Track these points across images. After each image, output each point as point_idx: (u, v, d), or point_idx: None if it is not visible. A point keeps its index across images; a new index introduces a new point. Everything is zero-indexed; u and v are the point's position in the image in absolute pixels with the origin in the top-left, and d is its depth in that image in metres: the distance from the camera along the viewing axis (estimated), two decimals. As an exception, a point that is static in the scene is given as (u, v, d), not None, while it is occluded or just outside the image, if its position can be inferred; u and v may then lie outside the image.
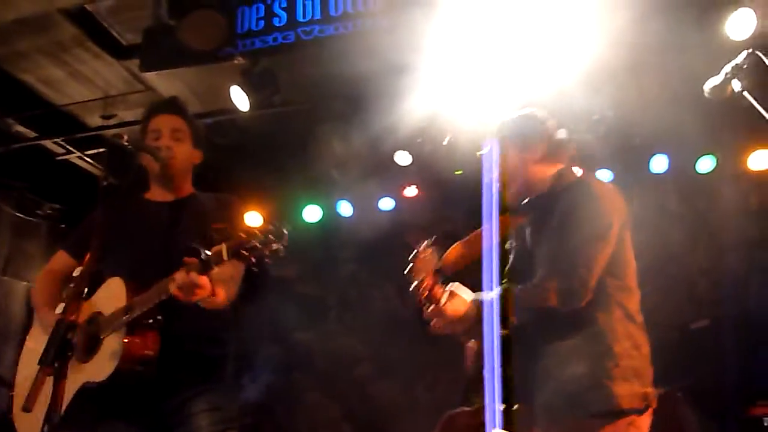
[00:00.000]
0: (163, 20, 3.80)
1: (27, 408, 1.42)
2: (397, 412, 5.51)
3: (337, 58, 3.52)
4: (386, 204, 5.55)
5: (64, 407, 1.59)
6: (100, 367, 1.98)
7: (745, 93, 2.04)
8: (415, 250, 2.11)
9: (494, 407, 1.77)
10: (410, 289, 2.07)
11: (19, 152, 5.01)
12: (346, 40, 3.43)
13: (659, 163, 4.85)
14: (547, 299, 1.92)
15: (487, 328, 1.85)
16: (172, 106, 2.42)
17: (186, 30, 3.33)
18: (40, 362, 1.49)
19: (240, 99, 3.77)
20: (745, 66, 2.05)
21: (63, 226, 5.88)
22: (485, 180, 2.03)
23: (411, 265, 2.05)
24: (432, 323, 2.04)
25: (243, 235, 1.83)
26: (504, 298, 1.86)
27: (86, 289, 1.81)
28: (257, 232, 1.83)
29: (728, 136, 4.71)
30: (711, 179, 4.92)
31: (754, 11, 3.26)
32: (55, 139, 5.08)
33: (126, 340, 1.96)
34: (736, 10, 3.26)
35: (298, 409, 5.84)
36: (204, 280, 1.90)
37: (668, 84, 4.33)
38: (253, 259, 1.84)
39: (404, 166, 5.00)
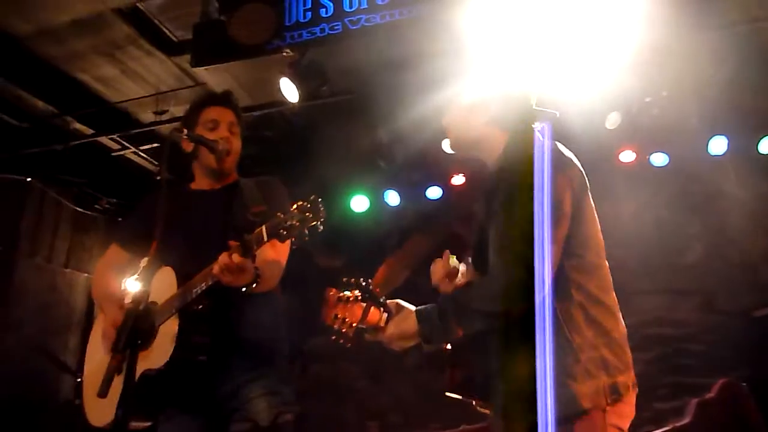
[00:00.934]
0: (212, 16, 3.85)
1: (102, 394, 1.48)
2: (446, 401, 5.50)
3: (384, 47, 3.50)
4: (434, 192, 5.52)
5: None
6: (156, 355, 2.02)
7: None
8: (328, 296, 1.86)
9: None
10: (332, 335, 1.85)
11: (77, 149, 5.19)
12: (393, 28, 3.41)
13: (718, 145, 4.66)
14: (496, 301, 1.68)
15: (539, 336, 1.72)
16: (228, 100, 2.44)
17: (236, 25, 3.38)
18: (113, 350, 1.54)
19: (289, 91, 3.80)
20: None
21: (120, 219, 6.09)
22: (536, 166, 1.95)
23: (326, 310, 1.85)
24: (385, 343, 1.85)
25: (281, 215, 1.84)
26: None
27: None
28: (294, 210, 1.83)
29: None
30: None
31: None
32: (111, 136, 5.23)
33: (179, 327, 2.00)
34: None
35: (346, 398, 5.90)
36: (246, 262, 1.91)
37: (725, 63, 4.16)
38: (293, 237, 1.84)
39: (452, 155, 4.95)
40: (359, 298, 1.84)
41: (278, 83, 3.82)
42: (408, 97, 4.36)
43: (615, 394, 1.68)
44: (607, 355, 1.72)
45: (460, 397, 1.97)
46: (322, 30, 3.46)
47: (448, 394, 1.99)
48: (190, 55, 3.99)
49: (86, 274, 5.93)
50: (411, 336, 1.77)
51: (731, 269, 4.87)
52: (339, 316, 1.82)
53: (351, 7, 3.45)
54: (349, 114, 4.72)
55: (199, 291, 2.01)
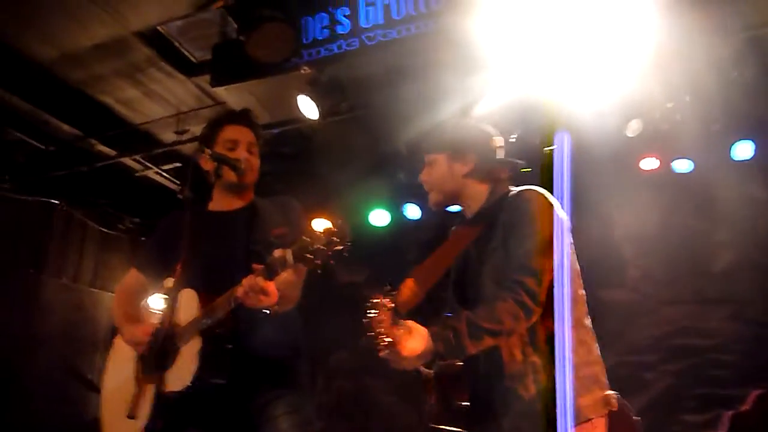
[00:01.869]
0: (230, 36, 3.91)
1: (132, 415, 1.48)
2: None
3: (402, 60, 3.51)
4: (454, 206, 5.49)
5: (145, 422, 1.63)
6: (178, 377, 2.01)
7: None
8: (374, 300, 1.87)
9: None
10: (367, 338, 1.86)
11: (101, 170, 5.29)
12: (410, 42, 3.42)
13: (744, 150, 4.57)
14: (503, 322, 1.83)
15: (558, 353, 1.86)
16: (247, 119, 2.45)
17: (254, 44, 3.41)
18: (144, 371, 1.54)
19: (308, 108, 3.83)
20: None
21: (143, 238, 6.16)
22: (556, 175, 2.00)
23: (371, 316, 1.84)
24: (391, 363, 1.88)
25: (306, 239, 1.84)
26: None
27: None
28: (320, 234, 1.83)
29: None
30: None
31: None
32: (134, 156, 5.32)
33: (201, 350, 2.01)
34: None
35: (373, 414, 5.86)
36: (270, 285, 1.93)
37: (750, 67, 4.09)
38: (318, 262, 1.84)
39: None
40: (391, 310, 1.87)
41: (297, 100, 3.86)
42: (426, 109, 4.37)
43: (608, 406, 1.91)
44: (597, 371, 1.96)
45: (447, 428, 2.07)
46: (340, 47, 3.48)
47: (435, 426, 2.09)
48: (209, 76, 4.06)
49: (112, 294, 6.00)
50: (426, 355, 1.84)
51: (761, 277, 4.74)
52: (384, 323, 1.84)
53: (368, 23, 3.47)
54: (368, 128, 4.74)
55: (222, 314, 2.01)
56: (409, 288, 2.12)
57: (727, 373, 4.66)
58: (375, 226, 5.64)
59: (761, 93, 4.18)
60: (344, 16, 3.51)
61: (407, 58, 3.54)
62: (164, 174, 5.60)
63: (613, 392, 1.94)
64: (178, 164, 5.40)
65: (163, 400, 2.00)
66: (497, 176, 2.15)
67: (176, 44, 4.25)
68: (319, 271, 1.87)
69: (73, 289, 5.70)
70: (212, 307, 2.04)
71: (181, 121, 5.03)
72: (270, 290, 1.94)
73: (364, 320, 1.84)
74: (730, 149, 4.60)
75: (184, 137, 5.03)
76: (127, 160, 5.38)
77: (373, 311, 1.83)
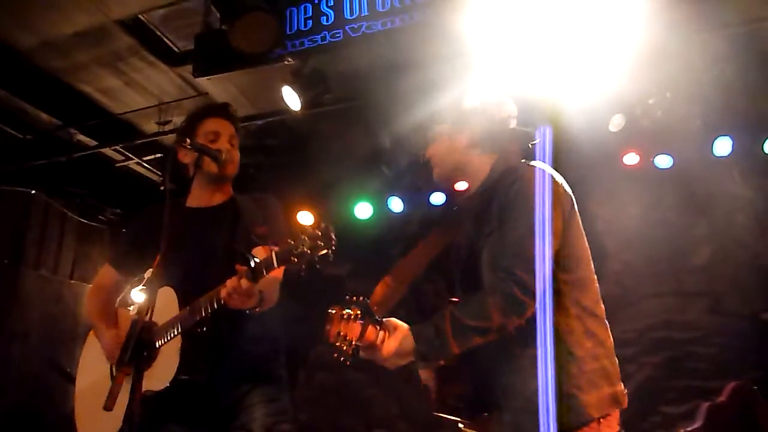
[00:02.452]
0: (213, 26, 3.86)
1: (108, 407, 1.46)
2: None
3: (386, 52, 3.50)
4: (437, 198, 5.51)
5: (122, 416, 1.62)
6: (158, 376, 2.00)
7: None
8: (331, 314, 1.84)
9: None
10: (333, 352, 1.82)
11: (81, 160, 5.21)
12: (394, 34, 3.41)
13: (723, 146, 4.64)
14: (491, 318, 1.70)
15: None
16: (227, 112, 2.44)
17: (237, 34, 3.38)
18: (118, 364, 1.53)
19: (292, 99, 3.80)
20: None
21: (124, 230, 6.09)
22: (537, 169, 1.95)
23: (328, 328, 1.82)
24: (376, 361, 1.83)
25: (291, 241, 1.83)
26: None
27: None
28: (305, 237, 1.81)
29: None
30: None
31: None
32: (114, 147, 5.24)
33: (182, 349, 2.00)
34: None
35: (353, 406, 5.87)
36: (254, 288, 1.91)
37: (729, 64, 4.14)
38: (303, 265, 1.83)
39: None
40: (358, 316, 1.82)
41: (281, 91, 3.83)
42: (410, 102, 4.36)
43: (616, 404, 1.76)
44: (607, 365, 1.80)
45: (449, 416, 1.99)
46: (324, 38, 3.46)
47: (437, 414, 2.01)
48: (192, 66, 4.01)
49: (91, 285, 5.94)
50: (407, 354, 1.76)
51: (739, 271, 4.83)
52: (341, 333, 1.81)
53: (352, 15, 3.45)
54: (352, 120, 4.72)
55: (203, 314, 1.99)
56: (385, 286, 2.09)
57: (706, 365, 4.74)
58: (359, 219, 5.64)
59: (740, 90, 4.23)
60: (328, 6, 3.49)
61: (391, 50, 3.53)
62: (145, 165, 5.54)
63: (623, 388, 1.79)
64: (159, 155, 5.33)
65: (141, 400, 1.99)
66: (504, 148, 1.99)
67: (158, 33, 4.19)
68: (302, 274, 1.85)
69: (52, 281, 5.62)
70: (193, 307, 2.02)
71: (163, 112, 4.97)
72: (253, 292, 1.92)
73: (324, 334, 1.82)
74: (711, 145, 4.67)
75: (166, 128, 4.98)
76: (108, 151, 5.31)
77: (328, 324, 1.80)
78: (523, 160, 1.97)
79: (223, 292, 1.92)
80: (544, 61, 3.59)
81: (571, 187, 2.00)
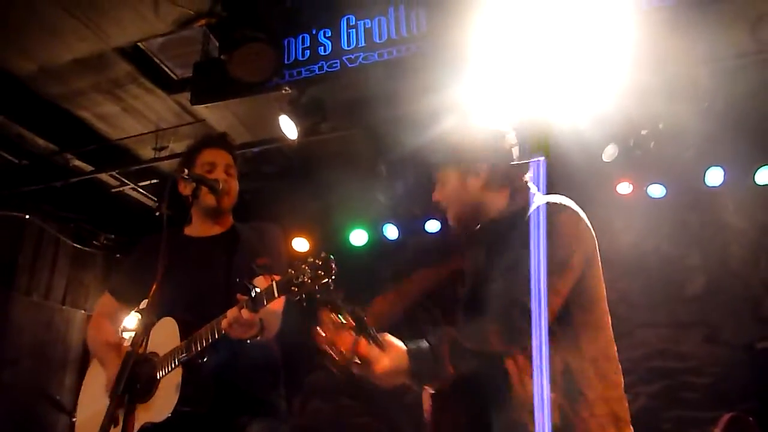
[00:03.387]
0: (212, 55, 3.91)
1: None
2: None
3: (383, 82, 3.55)
4: (433, 226, 5.52)
5: None
6: (158, 408, 1.98)
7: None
8: (322, 316, 1.80)
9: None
10: (325, 356, 1.78)
11: (76, 186, 5.21)
12: (391, 65, 3.46)
13: (715, 176, 4.69)
14: (487, 341, 1.67)
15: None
16: (225, 142, 2.45)
17: (235, 63, 3.42)
18: (111, 395, 1.51)
19: (288, 128, 3.84)
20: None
21: (119, 255, 6.07)
22: (532, 198, 1.96)
23: (318, 330, 1.78)
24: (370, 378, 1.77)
25: (292, 271, 1.82)
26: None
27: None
28: (306, 267, 1.80)
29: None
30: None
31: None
32: (111, 172, 5.25)
33: (183, 380, 1.97)
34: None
35: (349, 434, 5.80)
36: (255, 318, 1.90)
37: (720, 95, 4.21)
38: (304, 295, 1.82)
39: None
40: (352, 327, 1.75)
41: (278, 119, 3.86)
42: (406, 131, 4.41)
43: None
44: (618, 410, 1.74)
45: None
46: (321, 68, 3.51)
47: None
48: (189, 93, 4.04)
49: (83, 311, 5.89)
50: (401, 373, 1.70)
51: (733, 301, 4.84)
52: (333, 341, 1.74)
53: (349, 45, 3.51)
54: (348, 149, 4.76)
55: (204, 344, 1.98)
56: (384, 301, 2.05)
57: (701, 396, 4.72)
58: (354, 246, 5.64)
59: (731, 122, 4.30)
60: (326, 37, 3.54)
61: (388, 80, 3.58)
62: (141, 190, 5.54)
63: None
64: (155, 181, 5.34)
65: (141, 429, 1.98)
66: (515, 181, 1.97)
67: (157, 61, 4.24)
68: (304, 304, 1.84)
69: (44, 306, 5.56)
70: (194, 338, 2.00)
71: (160, 138, 5.00)
72: (254, 322, 1.91)
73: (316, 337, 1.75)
74: (703, 176, 4.71)
75: (163, 154, 5.00)
76: (104, 176, 5.31)
77: (322, 328, 1.74)
78: (535, 193, 1.95)
79: (224, 323, 1.91)
80: (538, 92, 3.65)
81: None
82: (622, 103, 4.08)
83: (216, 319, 1.96)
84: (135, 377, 1.52)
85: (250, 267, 2.01)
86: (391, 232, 5.61)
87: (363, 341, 1.73)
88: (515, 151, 2.03)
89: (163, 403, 1.97)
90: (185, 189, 2.30)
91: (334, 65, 3.51)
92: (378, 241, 5.64)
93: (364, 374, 1.74)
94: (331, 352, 1.74)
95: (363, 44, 3.48)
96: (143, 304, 2.18)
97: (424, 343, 1.71)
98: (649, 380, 4.84)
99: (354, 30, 3.54)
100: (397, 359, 1.70)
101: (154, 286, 1.72)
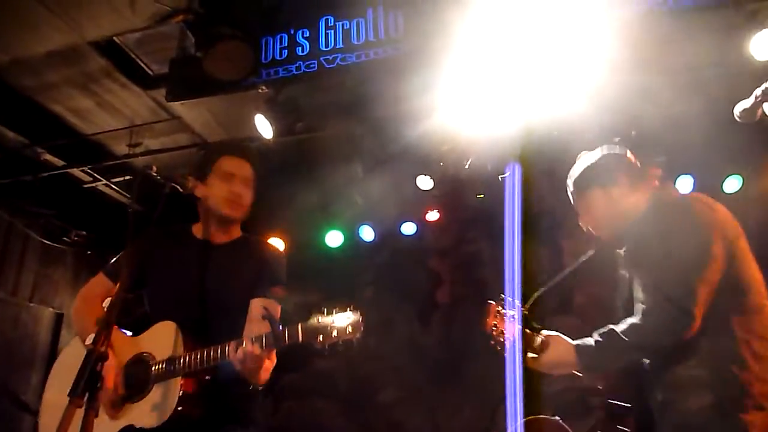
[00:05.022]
0: (188, 51, 3.88)
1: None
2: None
3: (359, 85, 3.56)
4: (408, 228, 5.55)
5: None
6: (151, 413, 1.94)
7: (777, 117, 2.00)
8: (489, 307, 2.21)
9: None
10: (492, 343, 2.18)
11: (47, 181, 5.11)
12: (368, 67, 3.47)
13: (685, 184, 4.78)
14: (649, 337, 1.88)
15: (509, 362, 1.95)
16: (249, 153, 2.36)
17: (212, 61, 3.39)
18: (70, 394, 1.47)
19: (264, 127, 3.82)
20: (775, 90, 2.01)
21: (89, 252, 5.96)
22: (507, 203, 2.07)
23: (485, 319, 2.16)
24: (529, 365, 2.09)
25: (318, 319, 1.81)
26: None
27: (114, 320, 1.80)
28: (333, 318, 1.80)
29: (754, 155, 4.64)
30: (738, 199, 4.84)
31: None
32: (83, 168, 5.17)
33: (181, 393, 1.94)
34: (759, 31, 3.23)
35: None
36: (266, 359, 1.88)
37: (691, 104, 4.30)
38: (327, 346, 1.80)
39: (426, 191, 5.00)
40: (514, 317, 2.14)
41: (254, 119, 3.84)
42: (384, 134, 4.42)
43: None
44: None
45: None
46: (298, 68, 3.51)
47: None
48: (165, 90, 4.00)
49: (52, 309, 5.77)
50: (567, 365, 2.00)
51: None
52: (497, 326, 2.14)
53: (327, 47, 3.51)
54: (324, 149, 4.75)
55: (211, 365, 1.94)
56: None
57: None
58: (329, 247, 5.63)
59: (701, 131, 4.39)
60: (304, 37, 3.54)
61: (365, 82, 3.59)
62: (114, 187, 5.46)
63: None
64: (129, 177, 5.27)
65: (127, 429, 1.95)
66: (648, 180, 2.17)
67: (133, 56, 4.18)
68: (325, 354, 1.83)
69: (11, 303, 5.44)
70: (201, 357, 1.95)
71: (135, 134, 4.93)
72: (267, 367, 1.90)
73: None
74: (673, 183, 4.80)
75: (137, 150, 4.93)
76: (76, 171, 5.23)
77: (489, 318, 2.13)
78: (662, 189, 2.15)
79: (239, 353, 1.86)
80: (513, 98, 3.69)
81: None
82: (595, 110, 4.15)
83: (230, 343, 1.91)
84: (98, 376, 1.48)
85: (257, 285, 2.02)
86: (367, 233, 5.62)
87: (527, 333, 2.09)
88: (633, 158, 2.23)
89: (157, 411, 1.93)
90: (200, 191, 2.23)
91: (311, 65, 3.51)
92: (354, 243, 5.65)
93: (532, 365, 2.05)
94: (496, 335, 2.14)
95: (341, 45, 3.48)
96: (106, 302, 2.13)
97: (590, 340, 1.97)
98: (618, 384, 4.91)
99: (332, 31, 3.55)
100: (565, 353, 2.00)
101: (116, 287, 1.69)
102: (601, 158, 2.25)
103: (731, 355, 1.84)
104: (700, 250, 1.89)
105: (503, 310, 2.18)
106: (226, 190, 2.23)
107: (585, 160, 2.29)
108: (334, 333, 1.79)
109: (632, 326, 1.91)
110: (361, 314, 1.82)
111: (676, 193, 2.18)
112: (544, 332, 2.09)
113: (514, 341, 2.10)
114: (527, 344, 2.08)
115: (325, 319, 1.81)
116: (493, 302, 2.22)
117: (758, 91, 2.06)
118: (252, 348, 1.85)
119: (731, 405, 1.79)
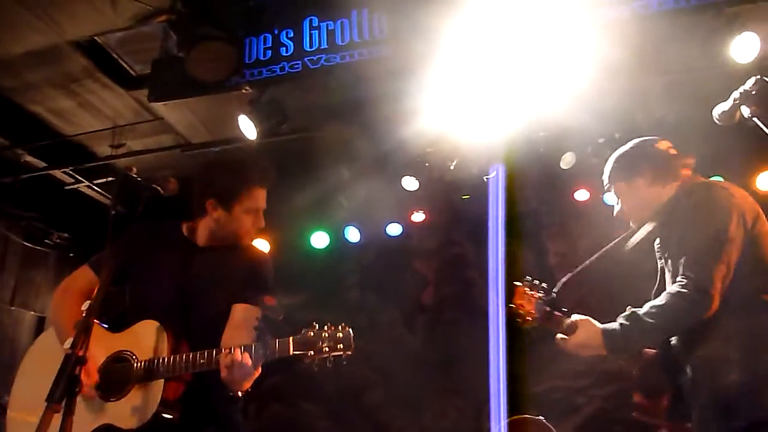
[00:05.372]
0: (171, 52, 3.84)
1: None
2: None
3: (344, 86, 3.55)
4: (394, 229, 5.54)
5: None
6: (131, 415, 1.91)
7: (755, 119, 2.03)
8: (517, 288, 2.29)
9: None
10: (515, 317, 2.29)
11: (28, 182, 5.05)
12: (353, 68, 3.46)
13: (667, 186, 4.82)
14: (669, 318, 1.94)
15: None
16: (270, 180, 2.29)
17: (194, 61, 3.36)
18: (48, 399, 1.44)
19: (248, 128, 3.79)
20: (753, 92, 2.05)
21: (72, 255, 5.89)
22: (491, 204, 2.08)
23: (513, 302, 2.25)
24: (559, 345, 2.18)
25: (311, 333, 1.82)
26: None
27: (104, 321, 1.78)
28: (326, 334, 1.82)
29: (735, 157, 4.69)
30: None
31: (758, 35, 3.27)
32: (65, 169, 5.11)
33: (162, 397, 1.91)
34: (740, 34, 3.27)
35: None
36: (253, 371, 1.87)
37: (673, 106, 4.34)
38: (316, 360, 1.81)
39: (412, 192, 5.00)
40: (542, 299, 2.25)
41: (238, 120, 3.81)
42: (369, 135, 4.41)
43: None
44: None
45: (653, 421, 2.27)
46: (282, 68, 3.49)
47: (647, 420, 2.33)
48: (147, 90, 3.96)
49: (33, 312, 5.69)
50: (595, 348, 2.07)
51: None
52: (524, 306, 2.24)
53: (311, 47, 3.50)
54: (309, 150, 4.73)
55: (197, 369, 1.92)
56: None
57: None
58: (315, 248, 5.61)
59: (682, 133, 4.43)
60: (288, 38, 3.52)
61: (350, 83, 3.57)
62: (97, 188, 5.40)
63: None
64: (111, 178, 5.21)
65: (102, 430, 1.92)
66: (677, 172, 2.23)
67: (114, 56, 4.14)
68: (315, 369, 1.84)
69: (-9, 306, 5.36)
70: (189, 363, 1.93)
71: (117, 135, 4.88)
72: (250, 376, 1.88)
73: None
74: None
75: (120, 151, 4.88)
76: (57, 173, 5.16)
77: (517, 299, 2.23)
78: (687, 176, 2.22)
79: (226, 360, 1.84)
80: (498, 99, 3.70)
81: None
82: (579, 113, 4.17)
83: (217, 350, 1.90)
84: (76, 381, 1.46)
85: (242, 291, 2.02)
86: (352, 234, 5.61)
87: (555, 315, 2.19)
88: (672, 151, 2.31)
89: (137, 412, 1.90)
90: (219, 215, 2.18)
91: (295, 66, 3.49)
92: (339, 244, 5.63)
93: (563, 346, 2.14)
94: (524, 314, 2.24)
95: (325, 46, 3.47)
96: (85, 305, 2.10)
97: (616, 324, 2.04)
98: (604, 383, 4.93)
99: (317, 31, 3.53)
100: (593, 335, 2.08)
101: (95, 290, 1.66)
102: (627, 150, 2.35)
103: (757, 333, 1.89)
104: (716, 233, 1.96)
105: (530, 292, 2.27)
106: (251, 223, 2.20)
107: (615, 153, 2.40)
108: (325, 348, 1.80)
109: (654, 308, 1.99)
110: (350, 331, 1.84)
111: (699, 179, 2.25)
112: (574, 316, 2.17)
113: (540, 321, 2.20)
114: (557, 326, 2.16)
115: (316, 334, 1.82)
116: (520, 284, 2.30)
117: (736, 94, 2.10)
118: (241, 357, 1.83)
119: (761, 381, 1.83)
